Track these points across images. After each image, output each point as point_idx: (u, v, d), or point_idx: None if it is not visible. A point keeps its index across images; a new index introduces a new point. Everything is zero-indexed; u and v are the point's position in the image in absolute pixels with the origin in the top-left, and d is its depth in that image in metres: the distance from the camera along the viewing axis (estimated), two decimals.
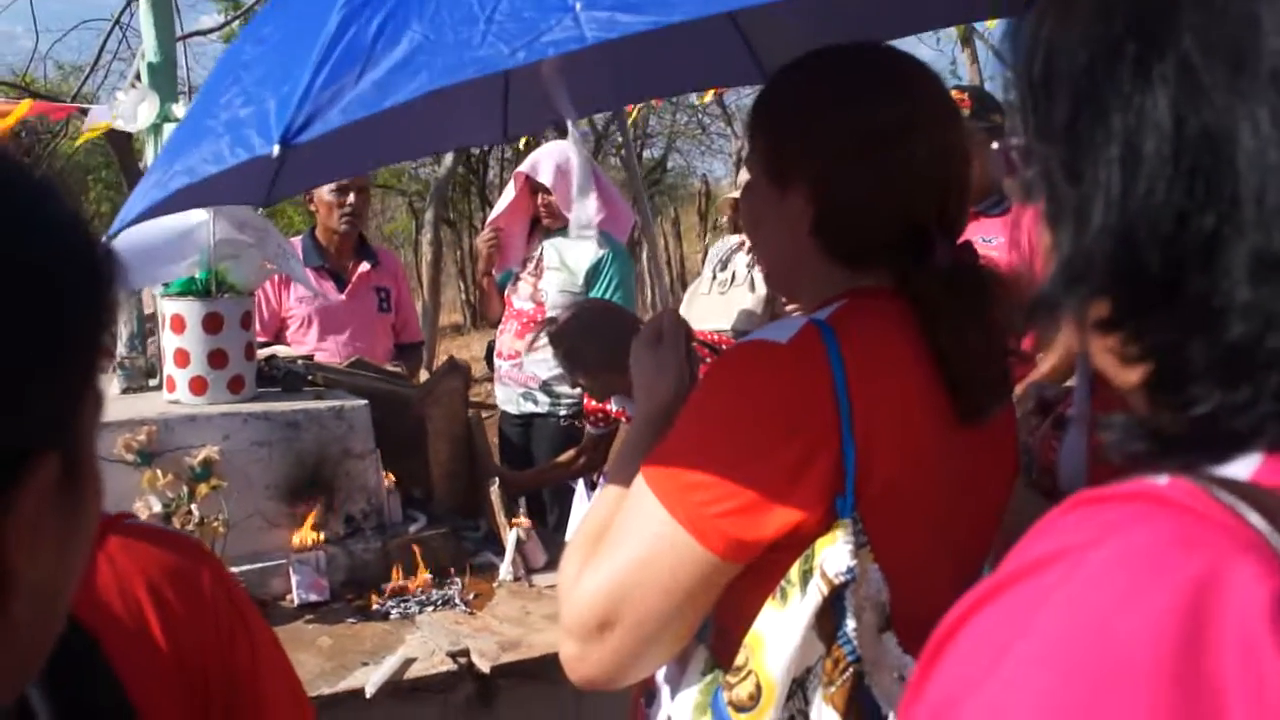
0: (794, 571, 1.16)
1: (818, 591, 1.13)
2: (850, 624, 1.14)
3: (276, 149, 1.26)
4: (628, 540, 1.17)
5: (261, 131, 1.29)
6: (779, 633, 1.15)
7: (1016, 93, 0.60)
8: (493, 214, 4.41)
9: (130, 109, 2.85)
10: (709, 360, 1.86)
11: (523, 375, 4.23)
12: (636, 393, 1.46)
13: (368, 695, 2.29)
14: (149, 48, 3.24)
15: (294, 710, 1.19)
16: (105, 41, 9.09)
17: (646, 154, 21.49)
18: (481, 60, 1.14)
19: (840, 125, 1.25)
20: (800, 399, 1.15)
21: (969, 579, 1.37)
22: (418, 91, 1.17)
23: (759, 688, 1.16)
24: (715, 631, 1.27)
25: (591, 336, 3.12)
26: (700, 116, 20.90)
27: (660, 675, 1.34)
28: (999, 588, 0.54)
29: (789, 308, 3.70)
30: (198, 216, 2.86)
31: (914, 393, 1.21)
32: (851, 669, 1.14)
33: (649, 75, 2.23)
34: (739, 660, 1.18)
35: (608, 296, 4.10)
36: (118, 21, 8.83)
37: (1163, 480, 0.52)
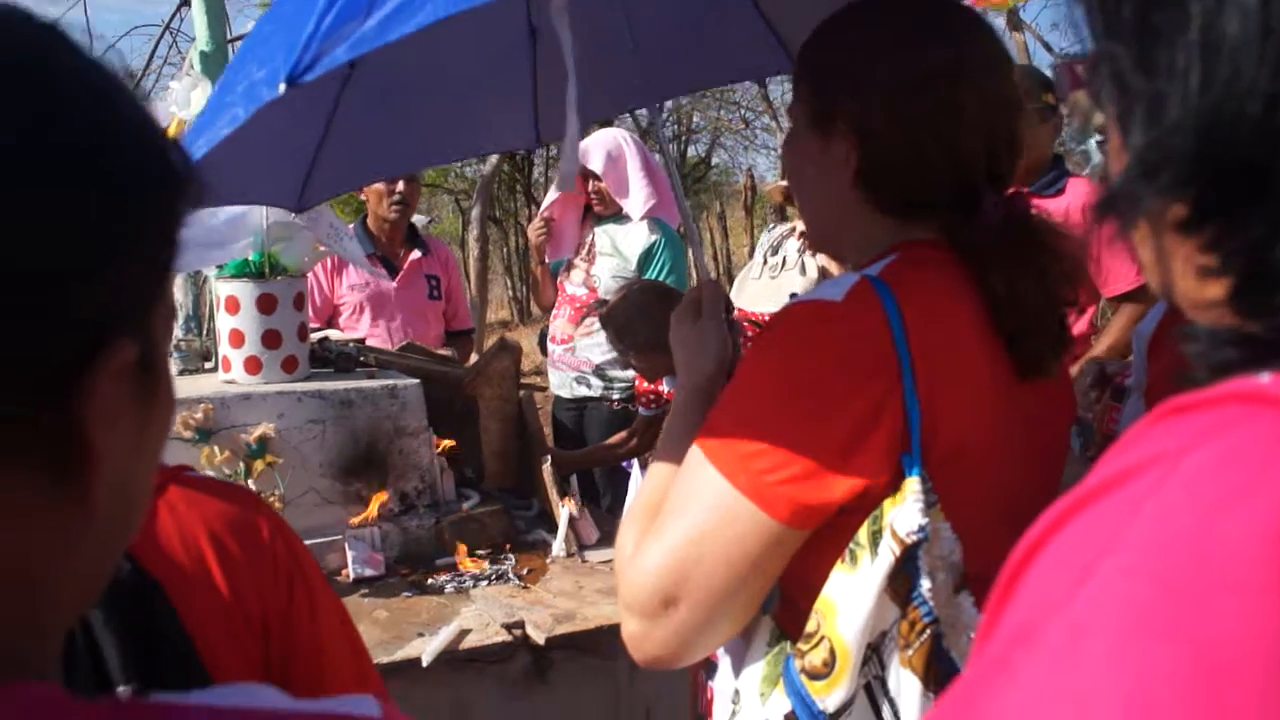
0: (863, 533, 1.12)
1: (889, 552, 1.10)
2: (925, 584, 1.10)
3: (283, 87, 1.25)
4: (687, 513, 1.13)
5: (270, 83, 1.29)
6: (851, 597, 1.12)
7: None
8: (545, 202, 4.43)
9: (184, 95, 2.88)
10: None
11: (575, 360, 4.24)
12: (678, 367, 1.43)
13: (424, 664, 2.31)
14: (201, 36, 3.29)
15: (351, 658, 1.20)
16: (156, 46, 9.22)
17: (691, 150, 21.50)
18: None
19: (887, 68, 1.22)
20: (859, 356, 1.11)
21: None
22: (423, 24, 1.15)
23: (833, 654, 1.12)
24: (781, 600, 1.23)
25: (642, 317, 3.15)
26: (743, 111, 20.87)
27: (722, 647, 1.30)
28: (1081, 502, 0.49)
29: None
30: None
31: (972, 348, 1.17)
32: (929, 630, 1.11)
33: (680, 71, 2.22)
34: (810, 627, 1.15)
35: (661, 280, 4.11)
36: (168, 26, 8.96)
37: (1264, 378, 0.47)
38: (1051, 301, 1.22)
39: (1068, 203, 3.32)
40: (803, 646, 1.15)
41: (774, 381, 1.15)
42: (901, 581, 1.10)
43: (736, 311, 3.42)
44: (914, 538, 1.09)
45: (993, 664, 0.47)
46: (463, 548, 2.89)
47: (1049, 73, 3.83)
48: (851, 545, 1.13)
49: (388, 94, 1.95)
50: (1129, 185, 0.52)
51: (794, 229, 4.03)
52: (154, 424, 0.56)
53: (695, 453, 1.15)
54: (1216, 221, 0.50)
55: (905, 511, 1.09)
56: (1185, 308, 0.55)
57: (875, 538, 1.11)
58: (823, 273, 3.81)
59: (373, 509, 2.84)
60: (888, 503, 1.11)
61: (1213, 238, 0.51)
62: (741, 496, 1.10)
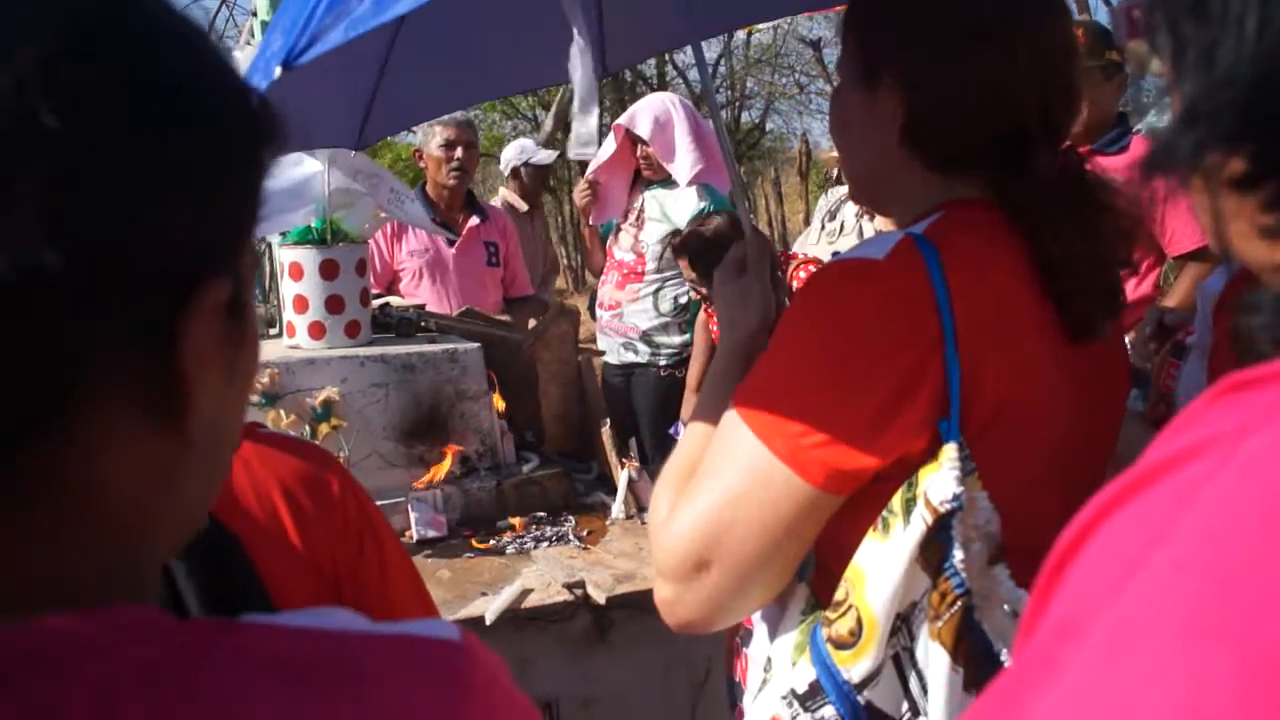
0: (896, 500, 1.09)
1: (922, 521, 1.06)
2: (958, 554, 1.06)
3: (279, 71, 1.27)
4: (721, 476, 1.11)
5: (275, 60, 1.30)
6: (881, 565, 1.08)
7: None
8: (591, 165, 4.43)
9: (244, 66, 2.92)
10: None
11: (623, 325, 4.25)
12: (720, 324, 1.41)
13: (488, 622, 2.34)
14: (261, 6, 3.32)
15: (420, 610, 1.23)
16: (214, 19, 9.34)
17: (744, 116, 21.36)
18: None
19: (934, 18, 1.18)
20: (899, 317, 1.08)
21: (1080, 507, 1.32)
22: (416, 3, 1.15)
23: (860, 623, 1.09)
24: (817, 567, 1.21)
25: (714, 247, 3.20)
26: (797, 76, 20.70)
27: (757, 614, 1.28)
28: (1133, 487, 0.46)
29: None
30: (313, 166, 2.93)
31: (1021, 308, 1.13)
32: (960, 602, 1.07)
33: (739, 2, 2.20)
34: (838, 595, 1.12)
35: None
36: (225, 1, 9.08)
37: None
38: (1104, 261, 1.18)
39: (1131, 160, 3.26)
40: (830, 615, 1.13)
41: (810, 342, 1.12)
42: (933, 551, 1.07)
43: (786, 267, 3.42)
44: (948, 506, 1.05)
45: (1037, 659, 0.45)
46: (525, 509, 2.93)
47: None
48: (884, 512, 1.10)
49: (445, 28, 1.95)
50: (1179, 138, 0.49)
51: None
52: (241, 366, 0.58)
53: (730, 414, 1.13)
54: (1277, 177, 0.47)
55: (940, 479, 1.06)
56: (1251, 269, 0.52)
57: (909, 505, 1.08)
58: (860, 204, 3.78)
59: (440, 470, 2.88)
60: (923, 470, 1.08)
61: (1273, 195, 0.48)
62: (776, 460, 1.07)
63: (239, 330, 0.56)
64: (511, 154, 5.51)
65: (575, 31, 1.32)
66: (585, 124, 1.44)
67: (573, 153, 1.44)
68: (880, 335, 1.08)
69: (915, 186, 1.23)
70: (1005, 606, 1.09)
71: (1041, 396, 1.14)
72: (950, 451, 1.06)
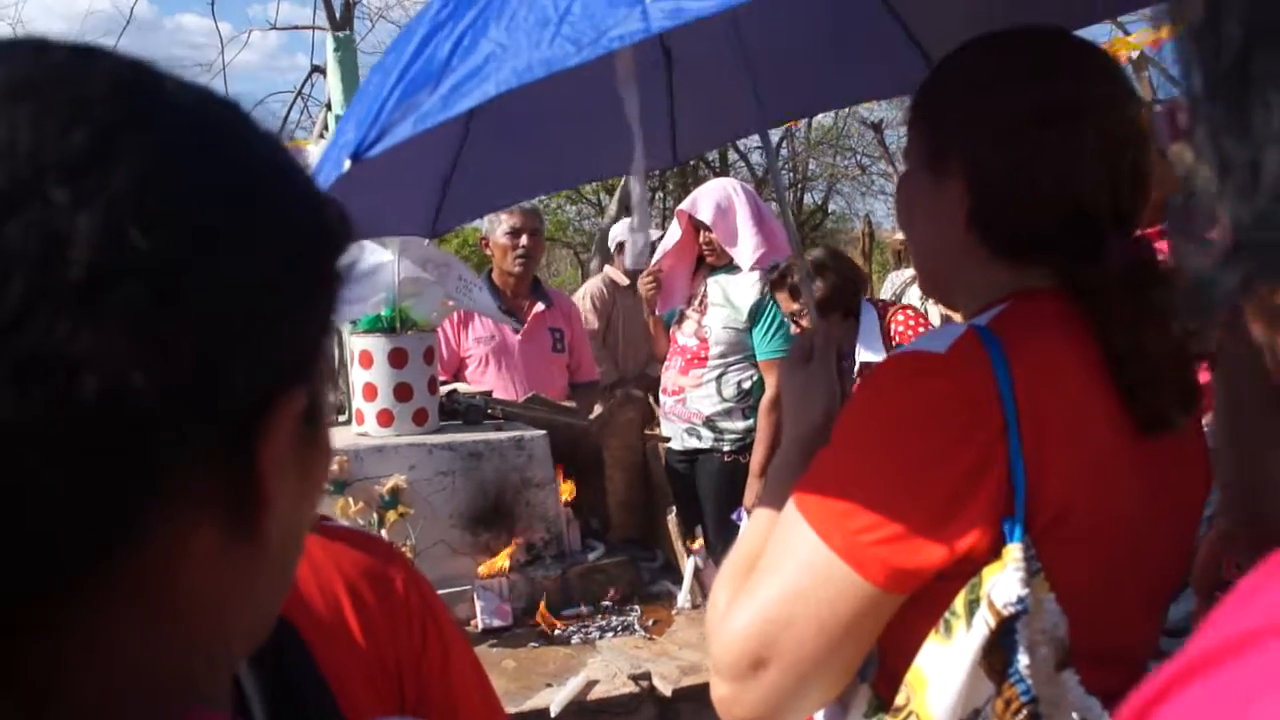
0: (959, 602, 1.05)
1: (984, 624, 1.02)
2: (1023, 660, 1.02)
3: (348, 164, 1.28)
4: (780, 572, 1.08)
5: (345, 151, 1.32)
6: (943, 669, 1.05)
7: (1177, 44, 0.48)
8: (658, 252, 4.46)
9: (317, 161, 3.00)
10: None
11: (687, 411, 4.25)
12: (785, 413, 1.39)
13: (553, 715, 2.32)
14: (336, 100, 3.42)
15: (483, 705, 1.22)
16: (289, 111, 9.64)
17: (807, 197, 21.47)
18: (547, 60, 1.12)
19: (1000, 104, 1.17)
20: (961, 413, 1.05)
21: (1159, 608, 1.27)
22: (482, 99, 1.16)
23: None
24: (880, 669, 1.15)
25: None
26: (859, 158, 20.81)
27: (820, 716, 1.22)
28: (1195, 668, 0.43)
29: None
30: (383, 255, 2.99)
31: (1089, 403, 1.09)
32: (1025, 710, 1.02)
33: (813, 87, 2.23)
34: (899, 700, 1.08)
35: (772, 332, 4.11)
36: (299, 93, 9.37)
37: None
38: (1176, 353, 1.13)
39: None
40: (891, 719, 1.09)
41: (871, 436, 1.09)
42: (997, 656, 1.03)
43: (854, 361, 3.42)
44: (1011, 609, 1.02)
45: None
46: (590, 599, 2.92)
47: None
48: (947, 614, 1.06)
49: (518, 120, 1.99)
50: (1224, 271, 0.45)
51: (915, 276, 3.98)
52: (315, 473, 0.59)
53: (790, 508, 1.10)
54: None
55: (1004, 580, 1.02)
56: None
57: (972, 607, 1.04)
58: (945, 320, 3.77)
59: (501, 559, 2.88)
60: (987, 570, 1.04)
61: None
62: (835, 557, 1.04)
63: (314, 437, 0.57)
64: (619, 230, 5.59)
65: (636, 149, 1.34)
66: (641, 240, 1.47)
67: (629, 263, 1.45)
68: (942, 431, 1.05)
69: (981, 274, 1.21)
70: (1075, 715, 1.05)
71: (1111, 494, 1.10)
72: (1015, 551, 1.03)
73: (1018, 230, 1.17)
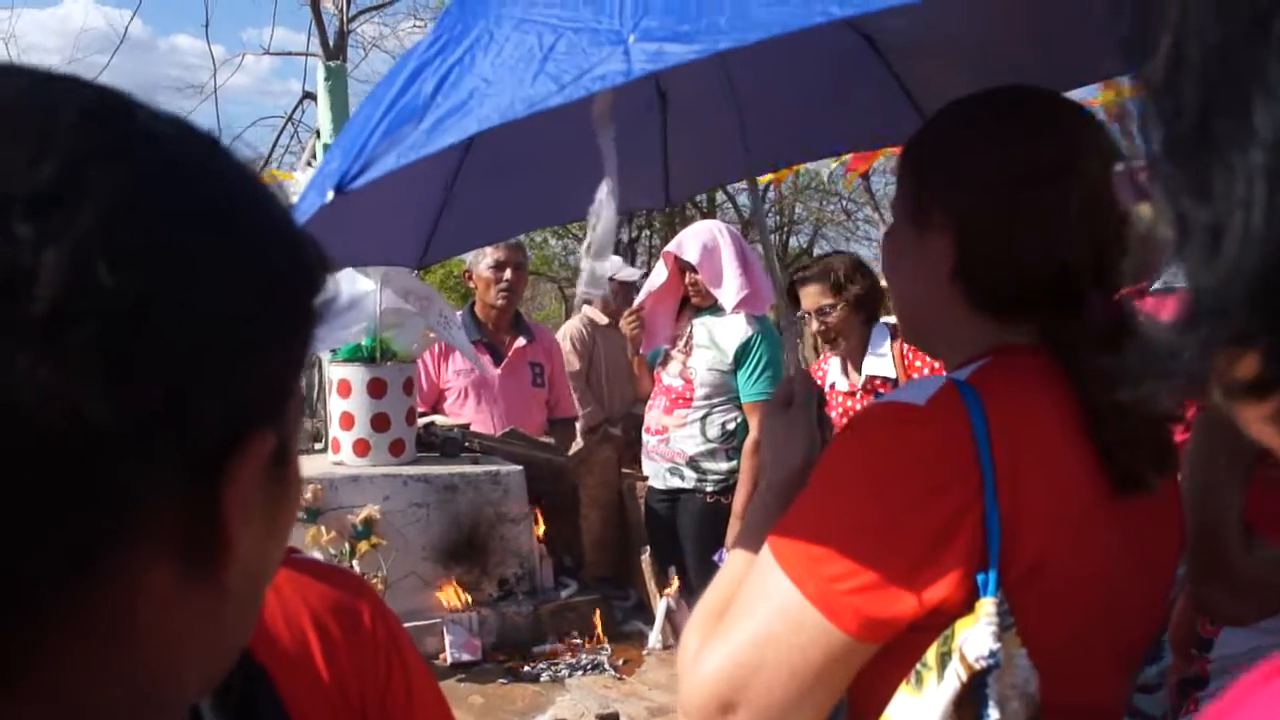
0: (931, 654, 1.05)
1: (956, 677, 1.02)
2: (994, 714, 1.02)
3: (331, 194, 1.28)
4: (752, 617, 1.08)
5: (329, 181, 1.33)
6: None
7: (1137, 101, 0.47)
8: (643, 292, 4.48)
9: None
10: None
11: (670, 450, 4.24)
12: (763, 458, 1.39)
13: None
14: (325, 129, 3.43)
15: None
16: (279, 137, 9.66)
17: (792, 241, 21.58)
18: (529, 99, 1.12)
19: (988, 162, 1.18)
20: (938, 465, 1.05)
21: (1132, 665, 1.27)
22: (463, 134, 1.17)
23: None
24: (850, 716, 1.16)
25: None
26: (845, 203, 20.94)
27: None
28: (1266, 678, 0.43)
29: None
30: (366, 285, 2.99)
31: (1066, 460, 1.10)
32: None
33: (806, 136, 2.24)
34: None
35: (757, 375, 4.11)
36: (290, 119, 9.39)
37: None
38: (1153, 413, 1.15)
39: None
40: None
41: (848, 486, 1.09)
42: (968, 709, 1.03)
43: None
44: (983, 663, 1.01)
45: None
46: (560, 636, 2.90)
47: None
48: (919, 666, 1.06)
49: (512, 156, 1.99)
50: (1183, 340, 0.44)
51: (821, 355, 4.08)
52: (282, 512, 0.58)
53: (766, 553, 1.10)
54: None
55: (977, 634, 1.02)
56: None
57: (944, 659, 1.04)
58: (908, 342, 3.80)
59: (458, 597, 2.86)
60: (960, 623, 1.04)
61: None
62: (808, 604, 1.04)
63: (282, 476, 0.57)
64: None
65: (606, 176, 1.34)
66: (600, 266, 1.46)
67: (581, 290, 1.45)
68: (919, 482, 1.05)
69: (964, 328, 1.21)
70: None
71: (1085, 550, 1.10)
72: (988, 606, 1.03)
73: (1001, 287, 1.18)
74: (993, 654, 1.01)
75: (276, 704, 1.00)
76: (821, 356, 4.02)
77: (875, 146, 2.71)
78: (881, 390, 3.73)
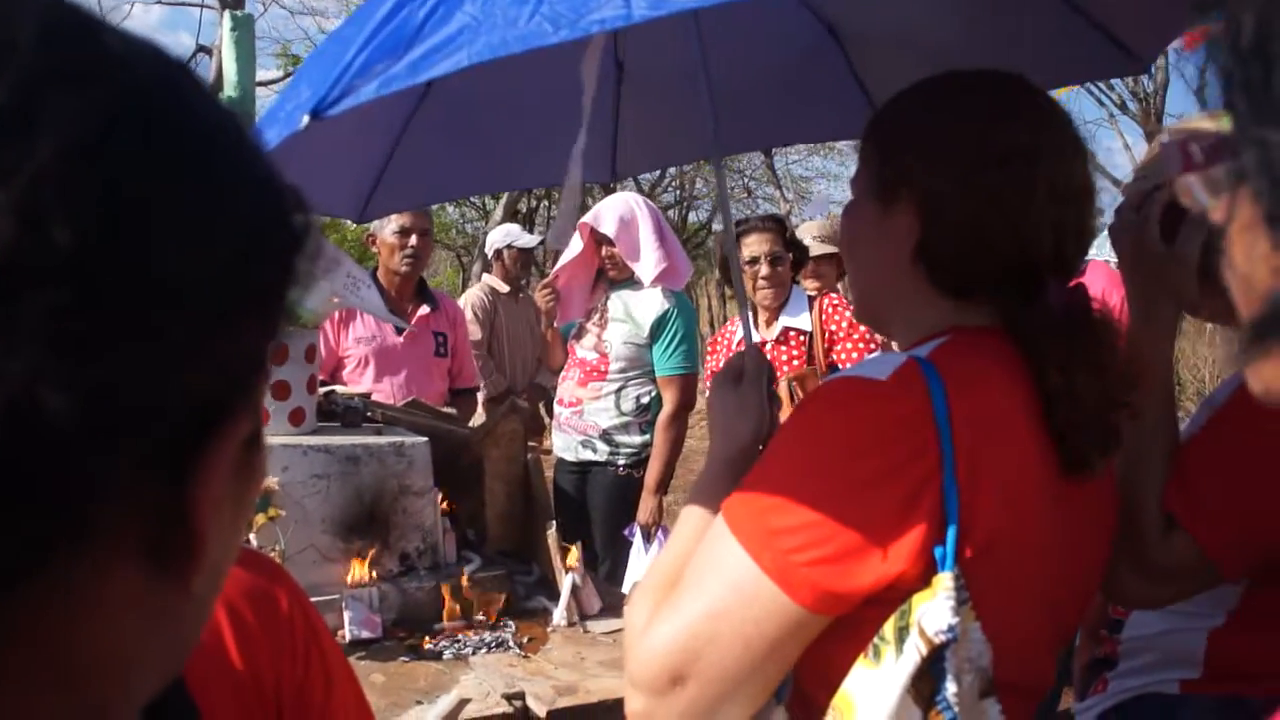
0: (889, 628, 1.06)
1: (916, 651, 1.04)
2: (950, 687, 1.04)
3: (306, 119, 1.24)
4: (705, 587, 1.07)
5: (303, 108, 1.28)
6: (872, 695, 1.06)
7: (1218, 68, 0.46)
8: (559, 262, 4.41)
9: None
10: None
11: (583, 423, 4.20)
12: (713, 433, 1.39)
13: None
14: (230, 82, 3.28)
15: None
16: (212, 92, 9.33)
17: (692, 216, 21.67)
18: (523, 37, 1.10)
19: (958, 141, 1.18)
20: (900, 439, 1.06)
21: (1062, 644, 1.30)
22: (453, 68, 1.14)
23: None
24: (795, 691, 1.16)
25: None
26: (747, 181, 21.08)
27: None
28: None
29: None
30: None
31: (1020, 440, 1.12)
32: None
33: (765, 124, 2.24)
34: None
35: (672, 348, 4.09)
36: None
37: None
38: (1107, 399, 1.17)
39: (1087, 285, 3.29)
40: None
41: (808, 458, 1.09)
42: (926, 683, 1.05)
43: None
44: (943, 637, 1.03)
45: None
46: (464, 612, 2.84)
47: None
48: (876, 640, 1.07)
49: (461, 115, 1.96)
50: (1265, 318, 0.44)
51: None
52: (248, 498, 0.52)
53: (720, 524, 1.09)
54: None
55: (935, 608, 1.04)
56: None
57: (902, 634, 1.05)
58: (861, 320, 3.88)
59: (363, 570, 2.78)
60: (917, 598, 1.05)
61: None
62: (764, 576, 1.04)
63: (250, 465, 0.50)
64: (497, 237, 5.48)
65: (581, 135, 1.32)
66: (569, 220, 1.44)
67: (551, 241, 1.44)
68: (880, 456, 1.06)
69: (922, 308, 1.23)
70: None
71: (1035, 529, 1.12)
72: (946, 580, 1.04)
73: (963, 267, 1.19)
74: (951, 628, 1.04)
75: (184, 697, 0.94)
76: (729, 320, 4.15)
77: (830, 139, 2.73)
78: (793, 341, 3.81)
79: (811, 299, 3.91)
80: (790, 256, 3.89)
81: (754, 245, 3.87)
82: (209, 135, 0.46)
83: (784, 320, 3.88)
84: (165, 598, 0.46)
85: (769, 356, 3.88)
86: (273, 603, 1.07)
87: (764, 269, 3.84)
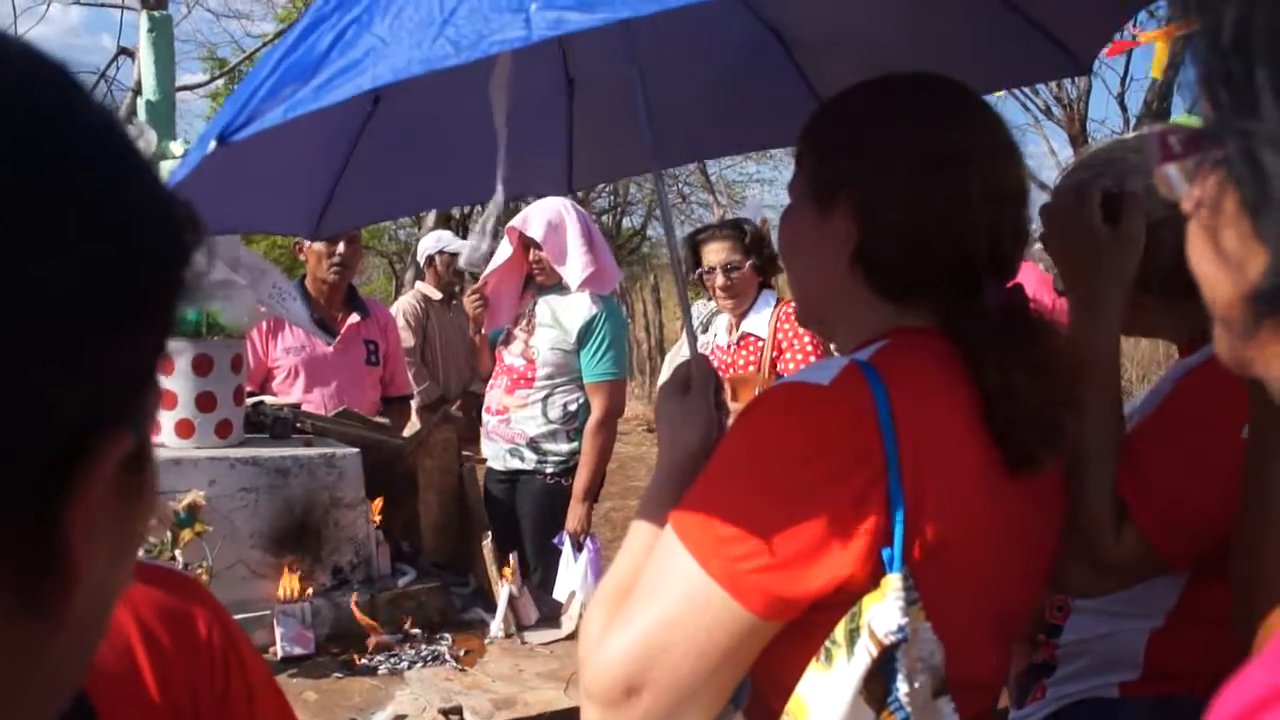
0: (839, 631, 1.07)
1: (866, 653, 1.05)
2: (902, 688, 1.06)
3: (213, 144, 1.23)
4: (657, 597, 1.08)
5: (212, 133, 1.28)
6: (825, 697, 1.07)
7: (1199, 64, 0.48)
8: (488, 268, 4.36)
9: None
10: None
11: (510, 431, 4.16)
12: (661, 441, 1.38)
13: None
14: (148, 86, 3.20)
15: None
16: (91, 93, 9.08)
17: (625, 222, 21.69)
18: (426, 59, 1.10)
19: (895, 144, 1.19)
20: (844, 444, 1.06)
21: (1010, 642, 1.31)
22: (356, 90, 1.14)
23: None
24: (752, 696, 1.15)
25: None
26: (681, 186, 21.12)
27: None
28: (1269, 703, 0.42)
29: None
30: None
31: (963, 440, 1.13)
32: None
33: (720, 133, 2.25)
34: None
35: (600, 354, 4.06)
36: (103, 75, 8.82)
37: None
38: (1048, 397, 1.18)
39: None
40: None
41: (754, 465, 1.09)
42: (878, 684, 1.05)
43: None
44: (893, 638, 1.04)
45: None
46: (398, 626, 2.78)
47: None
48: (827, 643, 1.08)
49: (414, 130, 1.96)
50: (1267, 303, 0.45)
51: (718, 309, 4.12)
52: (135, 522, 0.49)
53: (669, 534, 1.09)
54: None
55: (885, 610, 1.04)
56: None
57: (852, 636, 1.06)
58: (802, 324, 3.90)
59: (293, 585, 2.72)
60: (866, 600, 1.06)
61: None
62: (714, 584, 1.04)
63: (136, 485, 0.47)
64: (428, 244, 5.43)
65: (500, 155, 1.32)
66: (484, 242, 1.44)
67: (463, 263, 1.42)
68: (823, 461, 1.06)
69: (862, 311, 1.23)
70: None
71: (981, 528, 1.13)
72: (895, 581, 1.05)
73: (902, 270, 1.20)
74: (901, 629, 1.04)
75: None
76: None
77: (766, 147, 2.77)
78: (751, 346, 3.87)
79: (777, 301, 3.95)
80: (749, 262, 3.92)
81: (711, 254, 3.94)
82: (82, 140, 0.43)
83: (746, 325, 3.94)
84: (33, 629, 0.43)
85: (728, 360, 3.90)
86: (189, 622, 1.03)
87: (720, 278, 3.91)
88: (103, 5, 10.38)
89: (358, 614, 2.74)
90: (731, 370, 3.82)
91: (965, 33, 1.78)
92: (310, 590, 2.75)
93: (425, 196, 2.51)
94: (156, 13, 3.15)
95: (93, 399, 0.42)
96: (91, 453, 0.41)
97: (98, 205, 0.43)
